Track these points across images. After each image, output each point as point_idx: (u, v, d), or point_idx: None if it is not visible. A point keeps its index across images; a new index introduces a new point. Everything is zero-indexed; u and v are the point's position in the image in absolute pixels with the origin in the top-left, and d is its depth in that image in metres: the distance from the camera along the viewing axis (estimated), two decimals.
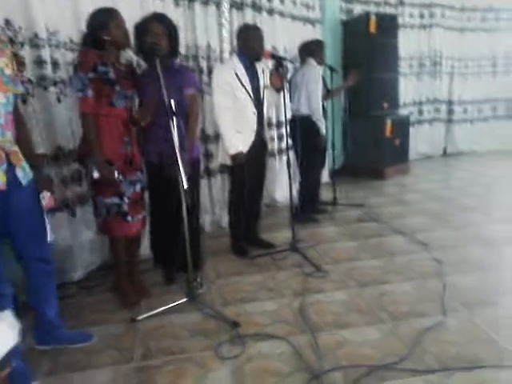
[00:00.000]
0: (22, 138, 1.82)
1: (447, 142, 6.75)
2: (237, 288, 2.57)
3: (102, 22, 2.16)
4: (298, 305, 2.31)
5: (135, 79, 2.38)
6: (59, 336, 2.00)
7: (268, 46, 3.43)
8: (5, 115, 1.66)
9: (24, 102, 2.39)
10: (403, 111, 5.81)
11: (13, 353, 1.11)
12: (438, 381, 1.66)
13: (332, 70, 3.95)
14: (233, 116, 2.80)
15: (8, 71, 1.68)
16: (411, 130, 5.71)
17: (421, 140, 6.43)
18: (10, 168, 1.67)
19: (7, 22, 2.40)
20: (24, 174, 1.73)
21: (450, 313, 2.14)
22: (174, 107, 2.11)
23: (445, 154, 6.73)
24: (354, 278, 2.61)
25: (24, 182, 1.72)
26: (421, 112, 6.45)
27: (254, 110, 2.86)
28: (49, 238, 1.86)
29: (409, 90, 6.23)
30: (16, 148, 1.72)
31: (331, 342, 1.96)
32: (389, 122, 5.12)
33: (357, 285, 2.51)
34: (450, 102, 6.63)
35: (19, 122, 1.83)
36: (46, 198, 1.83)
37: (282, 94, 2.84)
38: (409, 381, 1.67)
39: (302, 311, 2.23)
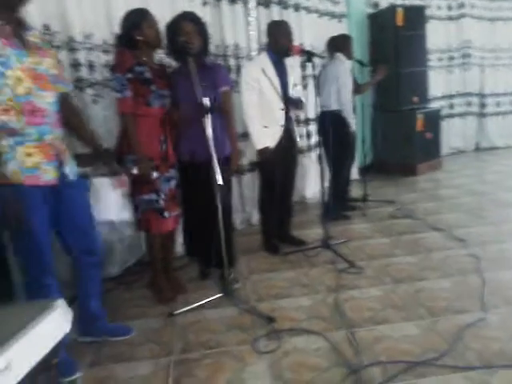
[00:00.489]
0: (83, 128, 1.94)
1: (480, 136, 6.54)
2: (270, 284, 2.58)
3: (135, 23, 2.22)
4: (333, 301, 2.30)
5: (168, 78, 2.41)
6: (101, 327, 2.06)
7: (295, 43, 3.40)
8: (54, 114, 1.73)
9: None
10: (434, 105, 5.67)
11: (63, 342, 1.14)
12: (479, 378, 1.62)
13: (362, 64, 3.90)
14: (260, 112, 2.82)
15: (53, 71, 1.75)
16: (442, 124, 5.56)
17: (453, 134, 6.25)
18: (60, 165, 1.75)
19: (45, 27, 2.50)
20: (71, 170, 1.81)
21: (491, 309, 2.08)
22: (208, 105, 2.14)
23: (477, 148, 6.52)
24: (389, 274, 2.57)
25: (71, 177, 1.80)
26: (452, 106, 6.27)
27: (282, 105, 2.86)
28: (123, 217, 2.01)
29: (439, 83, 6.06)
30: (64, 146, 1.80)
31: (369, 337, 1.94)
32: (419, 117, 5.01)
33: (392, 281, 2.48)
34: (481, 95, 6.41)
35: (75, 113, 1.93)
36: (116, 183, 1.92)
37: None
38: (449, 377, 1.64)
39: (338, 307, 2.22)
